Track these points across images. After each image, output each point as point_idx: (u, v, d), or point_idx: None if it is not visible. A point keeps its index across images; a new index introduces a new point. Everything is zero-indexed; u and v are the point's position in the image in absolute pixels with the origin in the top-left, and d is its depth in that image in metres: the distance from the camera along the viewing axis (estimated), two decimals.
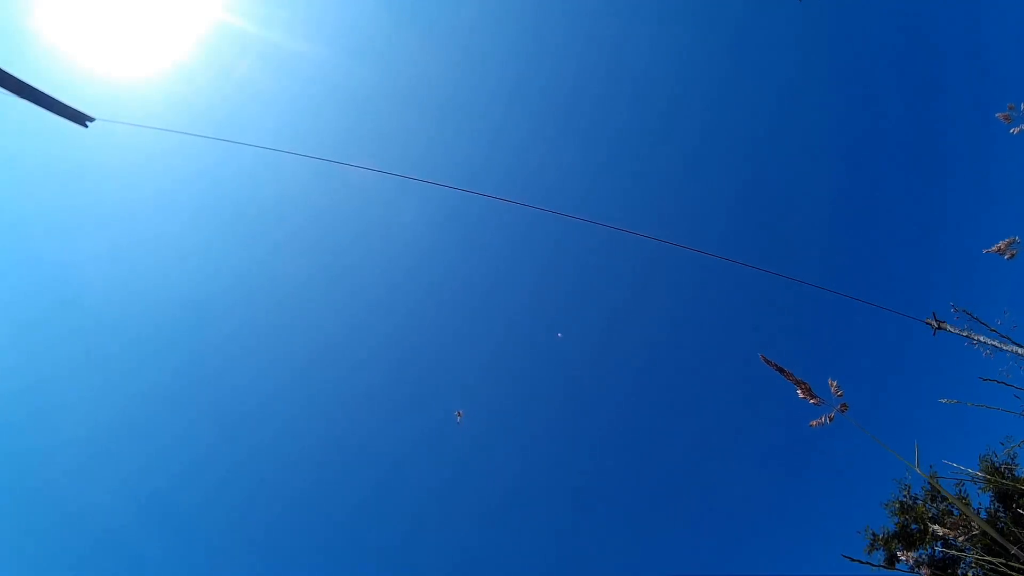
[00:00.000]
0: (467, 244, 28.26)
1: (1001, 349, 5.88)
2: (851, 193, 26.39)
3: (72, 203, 24.34)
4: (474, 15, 23.81)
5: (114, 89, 22.49)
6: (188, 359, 26.00)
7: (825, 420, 2.73)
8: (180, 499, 24.71)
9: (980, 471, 13.92)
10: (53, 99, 7.04)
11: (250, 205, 26.36)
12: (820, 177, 26.45)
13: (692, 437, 28.01)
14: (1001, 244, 5.21)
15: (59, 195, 23.98)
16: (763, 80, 25.04)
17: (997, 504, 13.90)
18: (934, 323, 7.03)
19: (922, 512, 14.34)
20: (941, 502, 14.09)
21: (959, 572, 13.47)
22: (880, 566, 13.71)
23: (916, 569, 12.69)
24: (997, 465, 14.14)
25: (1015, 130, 5.52)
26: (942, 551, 13.73)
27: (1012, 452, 13.88)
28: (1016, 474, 13.63)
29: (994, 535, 2.39)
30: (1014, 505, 13.21)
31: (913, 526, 14.56)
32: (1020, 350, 5.63)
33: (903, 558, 3.26)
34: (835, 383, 2.74)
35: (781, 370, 2.71)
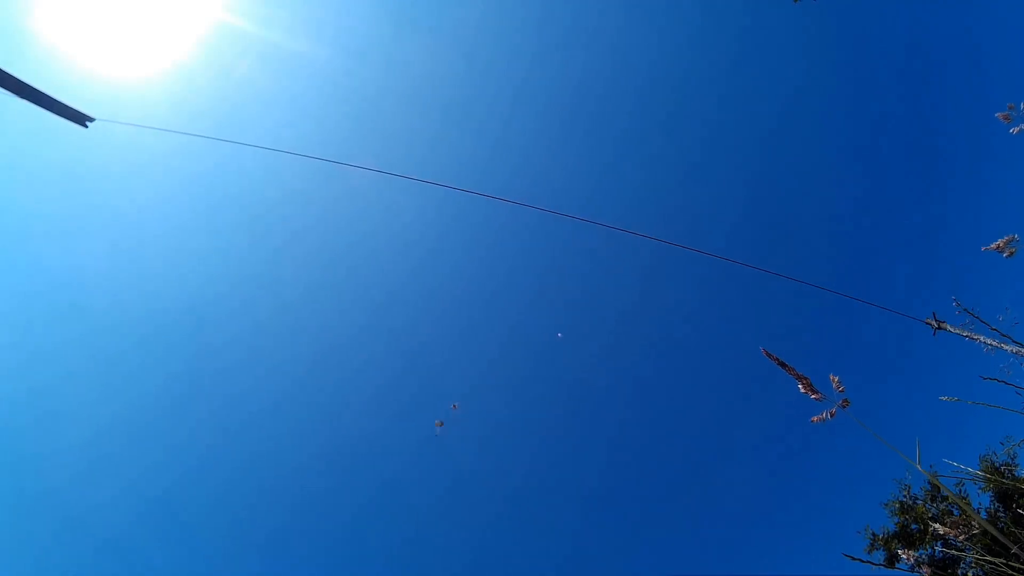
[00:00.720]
0: (468, 244, 28.29)
1: (1001, 348, 5.88)
2: (851, 193, 26.42)
3: (72, 203, 24.37)
4: (475, 15, 23.83)
5: (114, 89, 22.52)
6: (189, 360, 26.03)
7: (827, 415, 2.73)
8: (182, 501, 24.73)
9: (980, 471, 13.92)
10: (53, 99, 7.04)
11: (250, 205, 26.38)
12: (820, 177, 26.48)
13: (693, 436, 28.02)
14: (1000, 242, 5.20)
15: (59, 195, 24.01)
16: (763, 81, 25.07)
17: (997, 504, 13.90)
18: (934, 323, 7.04)
19: (922, 512, 14.34)
20: (941, 502, 14.09)
21: (959, 572, 13.48)
22: (880, 565, 13.71)
23: (916, 568, 12.69)
24: (997, 465, 14.14)
25: (1015, 130, 5.53)
26: (942, 551, 13.73)
27: (1012, 452, 13.88)
28: (1016, 474, 13.63)
29: (995, 534, 2.39)
30: (1014, 505, 13.21)
31: (913, 526, 14.56)
32: (1020, 348, 5.63)
33: (904, 556, 3.26)
34: (836, 379, 2.74)
35: (783, 364, 2.70)
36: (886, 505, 15.21)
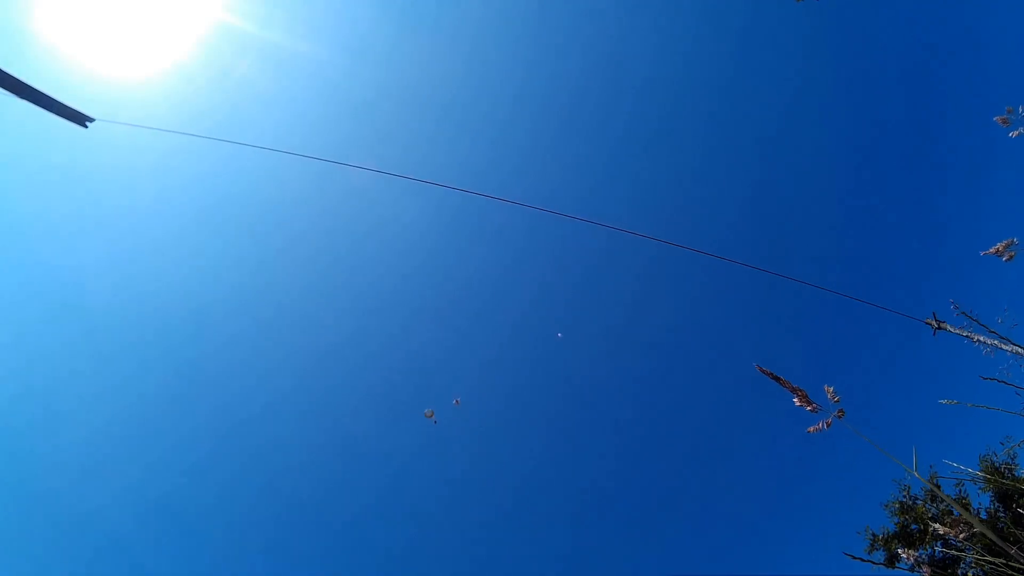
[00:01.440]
0: (468, 244, 28.28)
1: (1000, 348, 5.88)
2: (851, 195, 26.43)
3: (72, 203, 24.37)
4: (475, 15, 23.84)
5: (114, 89, 22.51)
6: (189, 360, 26.02)
7: (822, 426, 2.74)
8: (182, 502, 24.72)
9: (980, 471, 13.93)
10: (53, 99, 7.03)
11: (250, 205, 26.38)
12: (820, 178, 26.49)
13: (693, 436, 28.02)
14: (999, 246, 5.19)
15: (59, 195, 24.00)
16: (763, 82, 25.08)
17: (997, 504, 13.90)
18: (934, 323, 7.04)
19: (922, 512, 14.35)
20: (941, 502, 14.09)
21: (959, 572, 13.48)
22: (881, 565, 13.71)
23: (916, 568, 12.70)
24: (997, 465, 14.14)
25: (1014, 133, 5.54)
26: (942, 551, 13.74)
27: (1012, 452, 13.89)
28: (1016, 474, 13.63)
29: (993, 537, 2.39)
30: (1014, 505, 13.22)
31: (913, 526, 14.56)
32: (1020, 349, 5.63)
33: (904, 556, 3.26)
34: (831, 389, 2.75)
35: (777, 379, 2.72)
36: (886, 505, 15.22)
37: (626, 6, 24.08)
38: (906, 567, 14.64)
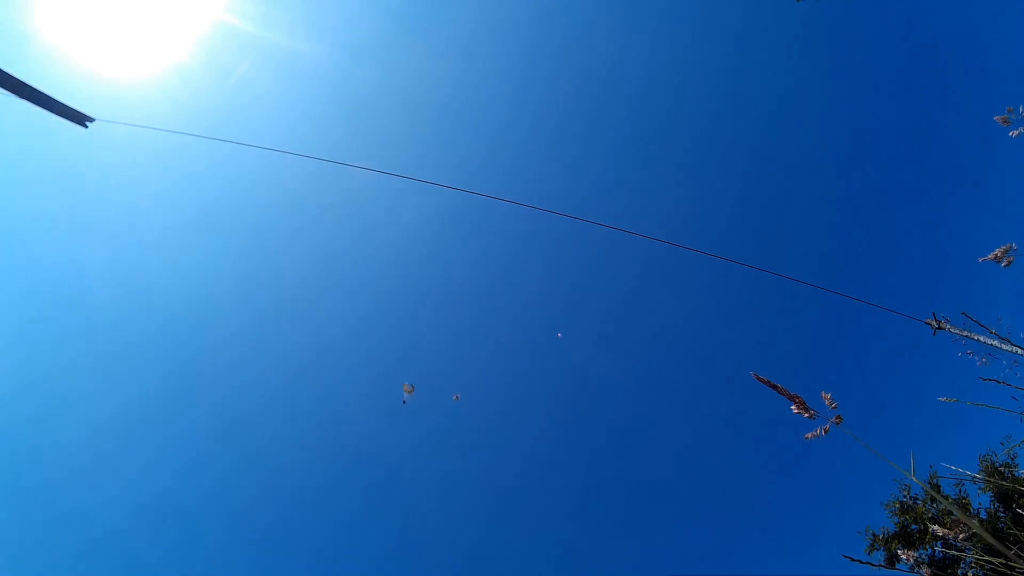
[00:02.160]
0: (467, 244, 28.29)
1: (1000, 349, 5.88)
2: (850, 195, 26.42)
3: (72, 203, 24.37)
4: (474, 16, 23.84)
5: (114, 89, 22.52)
6: (189, 359, 26.03)
7: (820, 432, 2.74)
8: (181, 499, 24.73)
9: (980, 471, 13.93)
10: (53, 99, 7.04)
11: (250, 205, 26.39)
12: (819, 179, 26.48)
13: (692, 436, 28.02)
14: (998, 252, 5.17)
15: (59, 195, 24.00)
16: (763, 83, 25.07)
17: (997, 504, 13.90)
18: (934, 323, 7.04)
19: (922, 512, 14.34)
20: (941, 501, 14.08)
21: (959, 572, 13.48)
22: (880, 566, 13.70)
23: (916, 569, 12.69)
24: (997, 465, 14.14)
25: (1014, 133, 5.53)
26: (942, 551, 13.73)
27: (1012, 452, 13.89)
28: (1016, 474, 13.63)
29: (991, 540, 2.38)
30: (1014, 505, 13.21)
31: (913, 526, 14.56)
32: (1019, 350, 5.63)
33: (904, 557, 3.26)
34: (828, 396, 2.75)
35: (774, 386, 2.71)
36: (886, 505, 15.22)
37: (625, 6, 24.09)
38: (906, 568, 14.64)
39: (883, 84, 24.20)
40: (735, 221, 27.38)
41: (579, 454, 28.36)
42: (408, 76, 24.50)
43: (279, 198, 26.02)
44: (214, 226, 25.93)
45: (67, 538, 23.40)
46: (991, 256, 5.20)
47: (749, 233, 27.29)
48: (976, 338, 6.41)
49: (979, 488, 13.81)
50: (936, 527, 3.22)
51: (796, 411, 2.71)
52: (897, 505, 14.95)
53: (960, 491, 14.54)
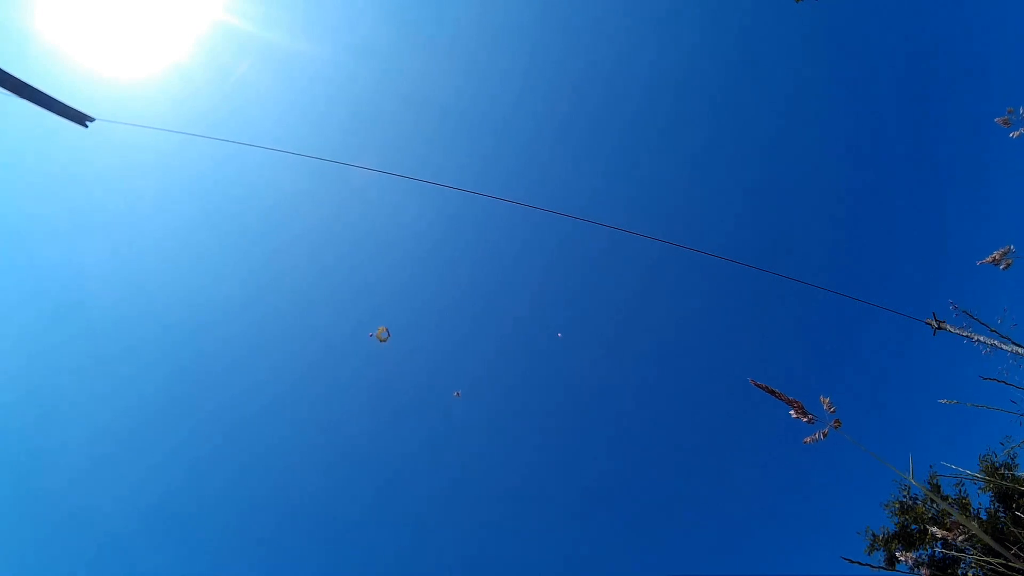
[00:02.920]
0: (468, 244, 28.29)
1: (1000, 348, 5.87)
2: (850, 195, 26.41)
3: (72, 203, 24.37)
4: (475, 15, 23.83)
5: (114, 89, 22.52)
6: (189, 360, 26.03)
7: (819, 436, 2.75)
8: (182, 503, 24.73)
9: (980, 471, 13.93)
10: (53, 99, 7.03)
11: (251, 205, 26.38)
12: (818, 179, 26.48)
13: (692, 438, 28.02)
14: (996, 254, 5.14)
15: (59, 195, 24.01)
16: (763, 83, 25.07)
17: (997, 504, 13.90)
18: (934, 323, 7.03)
19: (922, 512, 14.35)
20: (942, 501, 14.08)
21: (959, 572, 13.48)
22: (880, 567, 13.70)
23: (916, 569, 12.68)
24: (997, 465, 14.14)
25: (1015, 134, 5.52)
26: (942, 552, 13.73)
27: (1012, 452, 13.89)
28: (1016, 474, 13.62)
29: (989, 542, 2.38)
30: (1014, 505, 13.21)
31: (913, 527, 14.56)
32: (1020, 349, 5.62)
33: (903, 558, 3.26)
34: (827, 400, 2.76)
35: (772, 392, 2.72)
36: (886, 506, 15.23)
37: (625, 6, 24.09)
38: (905, 568, 14.64)
39: (883, 84, 24.20)
40: (734, 221, 27.39)
41: (579, 456, 28.38)
42: (409, 75, 24.52)
43: (280, 198, 26.03)
44: (214, 226, 25.95)
45: (67, 541, 23.43)
46: (989, 259, 5.17)
47: (748, 233, 27.31)
48: (976, 338, 6.40)
49: (979, 488, 13.81)
50: (935, 528, 3.22)
51: (795, 416, 2.71)
52: (897, 505, 14.95)
53: (960, 491, 14.54)
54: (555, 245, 28.68)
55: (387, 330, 12.43)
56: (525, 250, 28.42)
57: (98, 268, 24.68)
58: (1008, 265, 5.10)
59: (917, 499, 14.79)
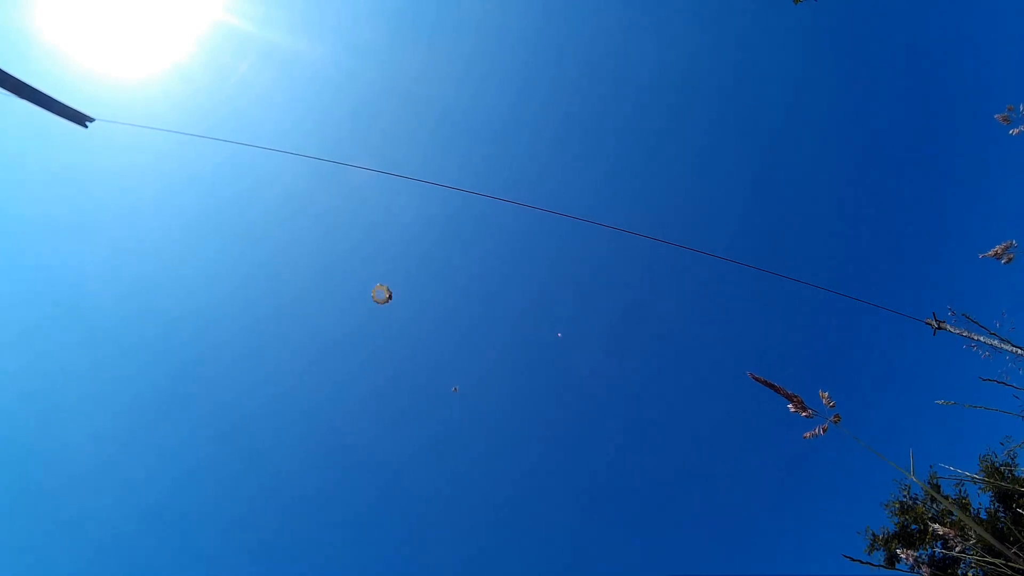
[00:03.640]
0: (468, 244, 28.29)
1: (1000, 349, 5.87)
2: (849, 194, 26.42)
3: (72, 203, 24.36)
4: (475, 15, 23.83)
5: (114, 89, 22.52)
6: (189, 360, 26.03)
7: (819, 431, 2.74)
8: (181, 503, 24.73)
9: (980, 471, 13.93)
10: (53, 99, 7.03)
11: (250, 205, 26.38)
12: (818, 179, 26.48)
13: (691, 435, 28.02)
14: (997, 248, 5.13)
15: (59, 195, 24.00)
16: (763, 83, 25.07)
17: (997, 504, 13.90)
18: (934, 323, 7.03)
19: (922, 512, 14.35)
20: (942, 501, 14.08)
21: (959, 572, 13.47)
22: (880, 566, 13.70)
23: (916, 569, 12.68)
24: (997, 465, 14.13)
25: (1014, 131, 5.52)
26: (942, 552, 13.73)
27: (1012, 452, 13.88)
28: (1016, 474, 13.62)
29: (990, 540, 2.38)
30: (1014, 505, 13.20)
31: (913, 526, 14.56)
32: (1019, 351, 5.62)
33: (903, 556, 3.25)
34: (827, 394, 2.75)
35: (771, 385, 2.71)
36: (886, 505, 15.22)
37: (625, 6, 24.09)
38: (906, 568, 14.63)
39: (882, 83, 24.21)
40: (733, 221, 27.40)
41: (578, 454, 28.38)
42: (409, 75, 24.52)
43: (280, 198, 26.04)
44: (214, 226, 25.95)
45: (68, 541, 23.42)
46: (991, 253, 5.16)
47: (748, 233, 27.31)
48: (976, 338, 6.40)
49: (979, 488, 13.81)
50: (936, 526, 3.21)
51: (793, 410, 2.70)
52: (897, 505, 14.95)
53: (960, 491, 14.54)
54: (555, 245, 28.71)
55: (387, 289, 10.96)
56: (525, 250, 28.44)
57: (98, 268, 24.70)
58: (1010, 260, 5.09)
59: (917, 499, 14.79)
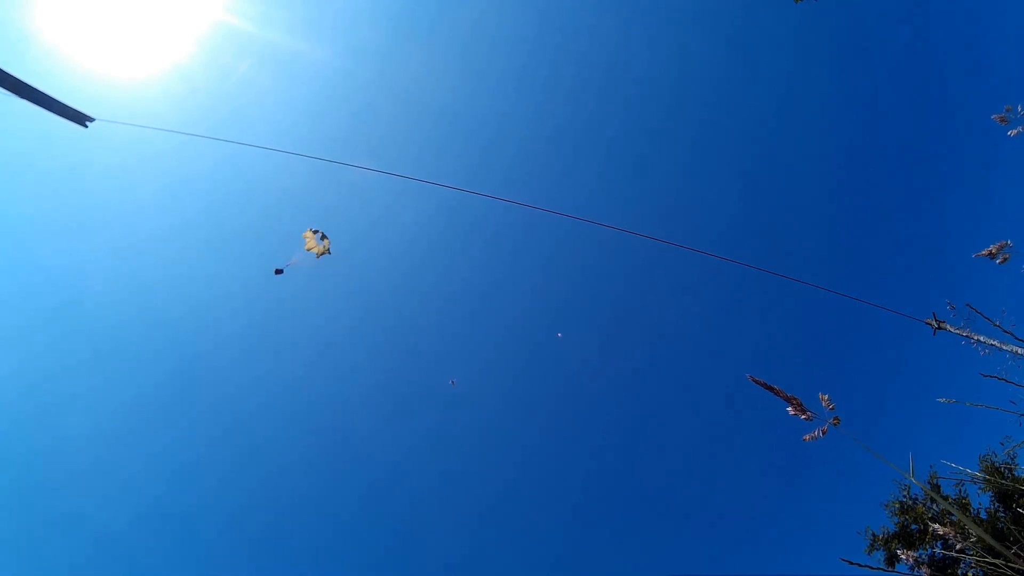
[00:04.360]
0: (468, 244, 28.28)
1: (1001, 348, 5.86)
2: (849, 194, 26.41)
3: (72, 203, 24.37)
4: (474, 16, 23.83)
5: (114, 89, 22.52)
6: (189, 358, 26.02)
7: (818, 434, 2.74)
8: (180, 501, 24.72)
9: (980, 471, 13.91)
10: (53, 99, 7.03)
11: (250, 205, 26.38)
12: (818, 178, 26.47)
13: (691, 437, 28.01)
14: (992, 248, 5.12)
15: (59, 195, 24.00)
16: (763, 83, 25.06)
17: (997, 504, 13.88)
18: (934, 323, 7.03)
19: (922, 512, 14.33)
20: (942, 501, 14.07)
21: (959, 572, 13.46)
22: (880, 569, 13.69)
23: (916, 568, 12.69)
24: (997, 465, 14.11)
25: (1013, 132, 5.52)
26: (942, 552, 13.72)
27: (1012, 452, 13.86)
28: (1016, 474, 13.60)
29: (990, 541, 2.38)
30: (1014, 505, 13.19)
31: (913, 526, 14.54)
32: (1019, 349, 5.62)
33: (903, 557, 3.25)
34: (826, 397, 2.74)
35: (770, 388, 2.70)
36: (886, 506, 15.20)
37: (624, 6, 24.09)
38: (906, 568, 14.62)
39: (882, 83, 24.20)
40: (733, 220, 27.40)
41: (578, 455, 28.37)
42: (408, 76, 24.51)
43: (279, 198, 26.03)
44: (214, 225, 25.95)
45: (66, 541, 23.41)
46: (985, 252, 5.16)
47: (747, 232, 27.31)
48: (976, 337, 6.40)
49: (979, 488, 13.79)
50: (936, 526, 3.22)
51: (792, 413, 2.70)
52: (897, 505, 14.93)
53: (960, 491, 14.52)
54: (555, 245, 28.71)
55: (322, 234, 8.69)
56: (525, 249, 28.44)
57: (98, 267, 24.71)
58: (1005, 260, 5.09)
59: (917, 499, 14.77)
